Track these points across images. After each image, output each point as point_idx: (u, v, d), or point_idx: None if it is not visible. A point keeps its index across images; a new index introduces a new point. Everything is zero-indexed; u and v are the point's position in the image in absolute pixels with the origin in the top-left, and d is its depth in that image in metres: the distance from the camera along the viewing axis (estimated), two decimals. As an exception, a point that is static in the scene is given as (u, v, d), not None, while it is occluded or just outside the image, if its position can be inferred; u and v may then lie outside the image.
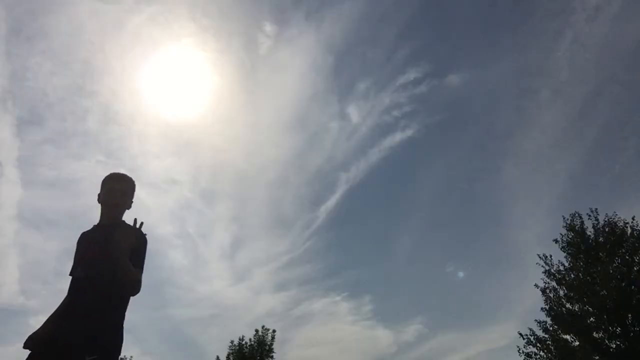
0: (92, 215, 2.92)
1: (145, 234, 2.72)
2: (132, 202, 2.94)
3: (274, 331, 22.18)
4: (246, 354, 21.35)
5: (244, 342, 21.81)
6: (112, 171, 2.95)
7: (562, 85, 41.08)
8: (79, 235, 2.86)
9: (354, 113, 46.45)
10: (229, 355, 21.79)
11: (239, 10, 46.46)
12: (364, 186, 47.90)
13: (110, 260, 2.46)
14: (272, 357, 21.58)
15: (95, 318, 2.40)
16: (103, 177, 2.94)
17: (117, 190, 2.84)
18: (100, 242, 2.61)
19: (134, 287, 2.54)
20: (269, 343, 21.77)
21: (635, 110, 37.76)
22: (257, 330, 22.13)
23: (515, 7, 45.19)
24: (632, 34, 37.19)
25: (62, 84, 41.88)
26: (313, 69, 46.40)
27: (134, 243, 2.58)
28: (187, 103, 44.90)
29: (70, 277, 2.65)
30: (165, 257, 43.97)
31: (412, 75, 44.27)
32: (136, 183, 2.94)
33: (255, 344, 21.70)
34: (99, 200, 2.88)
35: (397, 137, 45.54)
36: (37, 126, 41.64)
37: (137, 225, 2.61)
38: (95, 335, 2.35)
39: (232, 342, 22.03)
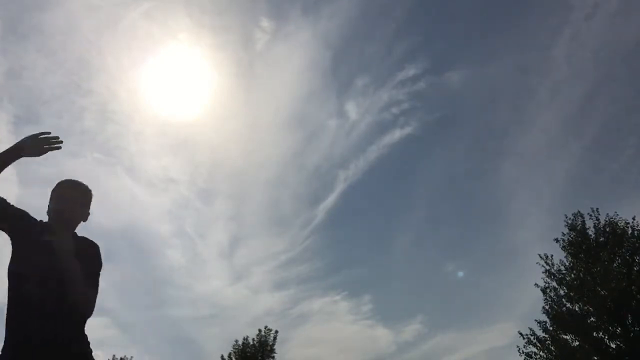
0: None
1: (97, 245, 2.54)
2: (89, 214, 2.55)
3: (276, 332, 22.32)
4: (248, 353, 21.36)
5: (247, 342, 21.85)
6: (65, 179, 2.53)
7: (561, 83, 40.99)
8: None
9: (352, 110, 46.18)
10: (230, 354, 21.86)
11: (235, 6, 46.36)
12: (362, 184, 47.73)
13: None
14: (273, 357, 21.63)
15: (75, 328, 2.35)
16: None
17: (77, 202, 2.43)
18: (75, 256, 2.35)
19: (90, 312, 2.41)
20: (270, 343, 21.83)
21: (635, 109, 37.73)
22: (260, 330, 22.23)
23: (513, 5, 45.17)
24: (631, 31, 37.19)
25: (58, 82, 41.72)
26: (310, 65, 46.24)
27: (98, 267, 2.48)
28: (184, 100, 44.64)
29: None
30: (163, 256, 44.00)
31: (410, 71, 44.07)
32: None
33: (257, 344, 21.71)
34: (48, 213, 2.44)
35: (396, 134, 45.23)
36: (33, 124, 41.27)
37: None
38: (76, 344, 2.32)
39: (236, 341, 22.17)
